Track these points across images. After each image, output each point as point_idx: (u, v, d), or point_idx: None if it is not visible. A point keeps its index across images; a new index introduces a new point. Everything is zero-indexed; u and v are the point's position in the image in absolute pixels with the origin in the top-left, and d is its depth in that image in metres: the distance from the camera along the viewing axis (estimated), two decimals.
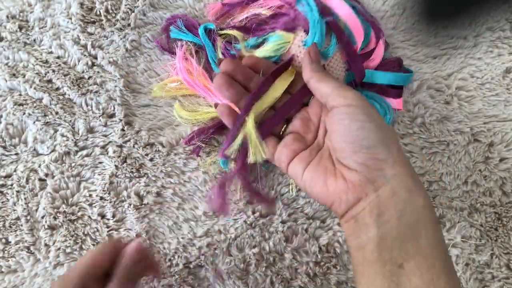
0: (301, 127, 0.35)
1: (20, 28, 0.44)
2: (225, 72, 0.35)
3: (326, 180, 0.31)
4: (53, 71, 0.43)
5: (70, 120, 0.42)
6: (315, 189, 0.31)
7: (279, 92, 0.36)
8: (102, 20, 0.44)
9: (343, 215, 0.30)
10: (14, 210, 0.40)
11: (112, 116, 0.43)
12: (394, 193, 0.28)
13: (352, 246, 0.30)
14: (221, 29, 0.42)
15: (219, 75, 0.35)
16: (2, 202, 0.41)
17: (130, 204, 0.41)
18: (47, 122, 0.42)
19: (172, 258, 0.40)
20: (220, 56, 0.41)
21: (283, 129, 0.36)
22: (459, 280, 0.26)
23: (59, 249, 0.40)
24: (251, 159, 0.34)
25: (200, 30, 0.42)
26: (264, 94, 0.35)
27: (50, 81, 0.43)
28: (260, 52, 0.38)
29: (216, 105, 0.37)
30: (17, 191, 0.41)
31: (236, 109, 0.36)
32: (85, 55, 0.43)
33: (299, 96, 0.36)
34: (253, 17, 0.41)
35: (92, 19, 0.44)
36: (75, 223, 0.40)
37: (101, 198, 0.41)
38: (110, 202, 0.41)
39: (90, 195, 0.41)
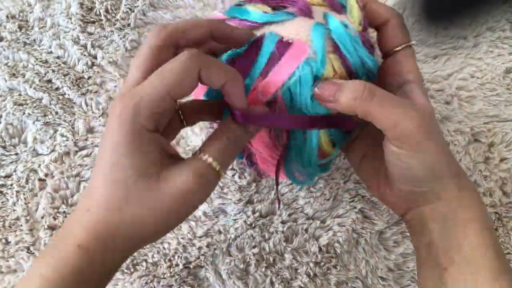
0: None
1: (20, 28, 0.44)
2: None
3: (379, 181, 0.31)
4: (53, 71, 0.43)
5: (70, 120, 0.42)
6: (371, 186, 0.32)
7: None
8: (102, 20, 0.44)
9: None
10: (14, 210, 0.40)
11: None
12: (437, 212, 0.28)
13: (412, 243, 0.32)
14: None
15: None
16: (2, 202, 0.41)
17: None
18: (47, 122, 0.42)
19: (172, 258, 0.40)
20: None
21: None
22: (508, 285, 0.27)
23: None
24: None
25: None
26: None
27: (50, 81, 0.43)
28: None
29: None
30: (17, 191, 0.41)
31: None
32: (84, 55, 0.43)
33: None
34: None
35: (92, 19, 0.44)
36: None
37: None
38: None
39: None
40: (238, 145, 0.26)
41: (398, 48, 0.29)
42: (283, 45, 0.28)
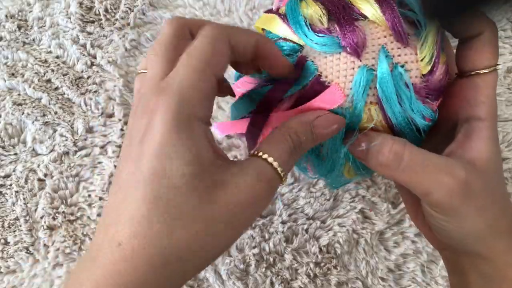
0: None
1: (19, 27, 0.44)
2: None
3: (416, 214, 0.28)
4: (52, 70, 0.43)
5: (69, 120, 0.42)
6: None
7: None
8: (101, 19, 0.44)
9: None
10: (13, 211, 0.40)
11: (111, 116, 0.42)
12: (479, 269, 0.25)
13: None
14: None
15: None
16: (1, 202, 0.41)
17: None
18: (46, 122, 0.42)
19: None
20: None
21: None
22: None
23: (58, 249, 0.40)
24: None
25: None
26: None
27: (49, 80, 0.43)
28: None
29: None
30: (16, 191, 0.41)
31: None
32: (84, 55, 0.43)
33: None
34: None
35: (91, 19, 0.44)
36: (74, 223, 0.40)
37: (100, 198, 0.41)
38: None
39: (89, 195, 0.41)
40: (302, 147, 0.22)
41: (482, 71, 0.24)
42: (319, 85, 0.24)
